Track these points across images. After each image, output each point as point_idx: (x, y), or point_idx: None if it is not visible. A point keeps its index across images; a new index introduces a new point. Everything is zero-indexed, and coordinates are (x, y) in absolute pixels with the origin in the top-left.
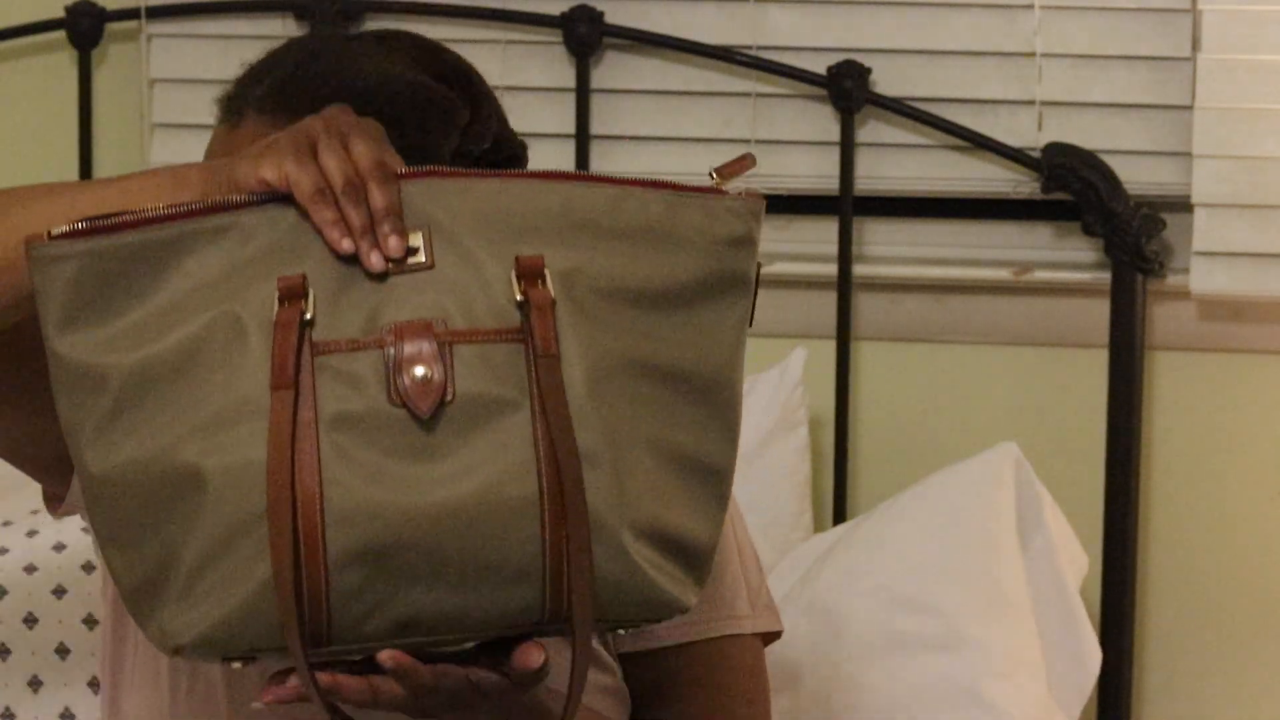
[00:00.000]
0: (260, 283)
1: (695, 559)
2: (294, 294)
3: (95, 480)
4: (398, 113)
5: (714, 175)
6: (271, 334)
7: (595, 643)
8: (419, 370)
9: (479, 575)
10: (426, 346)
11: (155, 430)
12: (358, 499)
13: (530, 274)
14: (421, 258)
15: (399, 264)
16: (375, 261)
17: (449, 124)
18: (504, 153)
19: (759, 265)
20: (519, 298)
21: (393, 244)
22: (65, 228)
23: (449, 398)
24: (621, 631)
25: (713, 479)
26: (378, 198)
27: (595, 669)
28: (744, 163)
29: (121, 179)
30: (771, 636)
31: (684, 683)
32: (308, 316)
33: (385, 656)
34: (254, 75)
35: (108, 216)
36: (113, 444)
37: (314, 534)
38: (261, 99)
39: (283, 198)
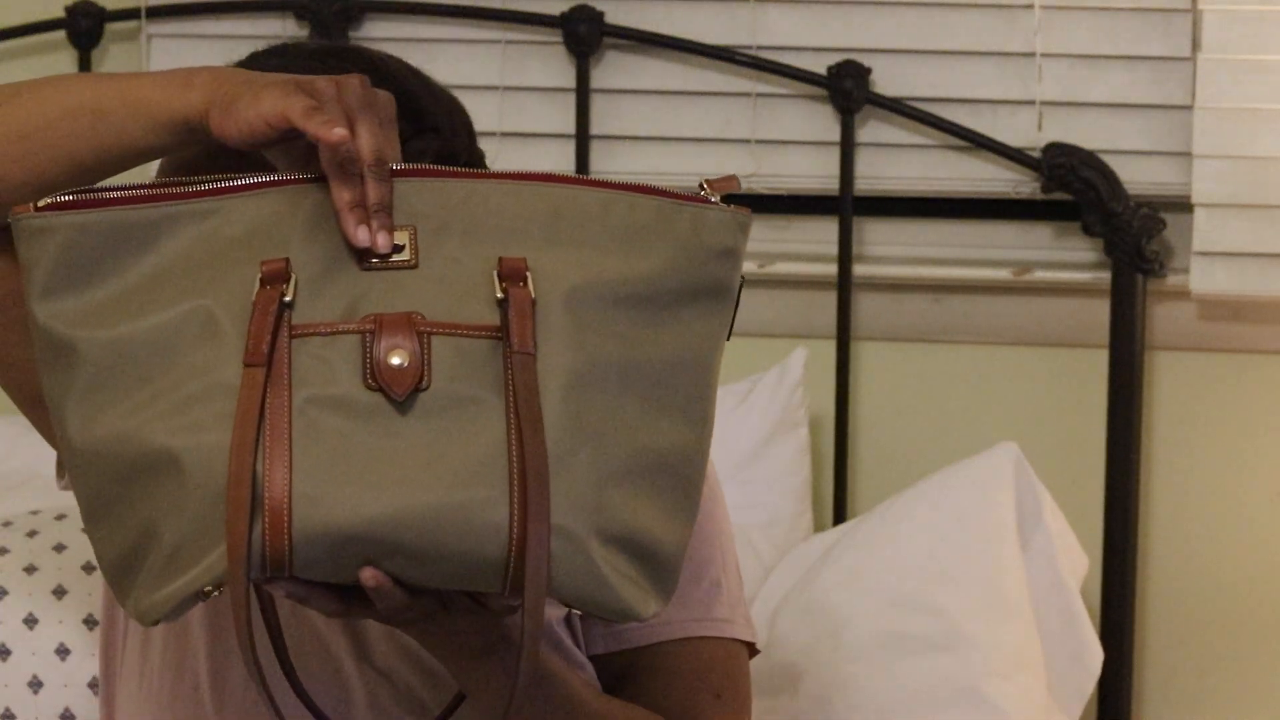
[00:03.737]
0: (241, 268)
1: (662, 567)
2: (276, 277)
3: (77, 453)
4: (418, 100)
5: (704, 186)
6: (247, 321)
7: (568, 641)
8: (396, 359)
9: (442, 561)
10: (406, 335)
11: (131, 409)
12: (326, 483)
13: (512, 275)
14: (406, 255)
15: (384, 259)
16: (362, 236)
17: (459, 126)
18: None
19: (742, 279)
20: (499, 295)
21: (381, 240)
22: (51, 199)
23: (425, 384)
24: (576, 611)
25: (685, 483)
26: (371, 191)
27: (568, 662)
28: (731, 182)
29: (131, 75)
30: (750, 650)
31: (652, 676)
32: (287, 299)
33: (368, 575)
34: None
35: (95, 190)
36: (91, 418)
37: (280, 509)
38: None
39: (269, 183)
